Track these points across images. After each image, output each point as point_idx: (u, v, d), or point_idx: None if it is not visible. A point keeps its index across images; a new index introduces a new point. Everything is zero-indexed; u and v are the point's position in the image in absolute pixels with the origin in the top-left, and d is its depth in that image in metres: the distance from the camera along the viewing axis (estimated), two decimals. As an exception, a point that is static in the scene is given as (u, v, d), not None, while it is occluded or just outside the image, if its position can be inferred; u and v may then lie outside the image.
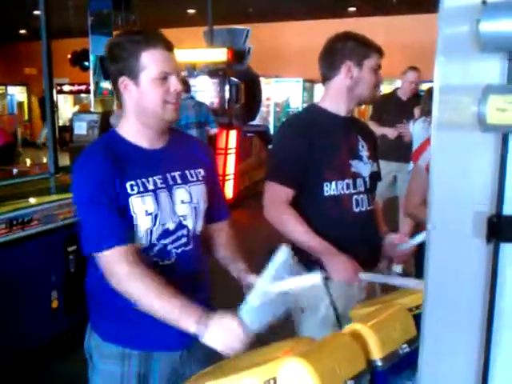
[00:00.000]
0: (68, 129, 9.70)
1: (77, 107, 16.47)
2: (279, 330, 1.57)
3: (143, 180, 1.65)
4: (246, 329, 1.45)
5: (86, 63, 11.49)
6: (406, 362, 1.34)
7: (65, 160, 6.94)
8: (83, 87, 16.38)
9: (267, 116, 14.09)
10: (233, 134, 8.68)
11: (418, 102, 5.18)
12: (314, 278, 1.55)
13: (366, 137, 2.31)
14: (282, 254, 1.51)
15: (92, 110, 11.10)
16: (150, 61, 1.62)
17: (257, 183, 9.71)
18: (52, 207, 3.83)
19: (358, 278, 2.05)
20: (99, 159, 1.65)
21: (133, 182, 1.63)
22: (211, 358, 1.57)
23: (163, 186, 1.69)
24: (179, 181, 1.73)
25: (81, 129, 8.61)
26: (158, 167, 1.70)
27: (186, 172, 1.76)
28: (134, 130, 1.71)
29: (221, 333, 1.47)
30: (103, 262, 1.59)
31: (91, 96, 11.57)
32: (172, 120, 1.70)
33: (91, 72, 11.15)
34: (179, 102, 1.69)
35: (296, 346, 1.33)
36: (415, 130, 5.31)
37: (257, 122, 11.26)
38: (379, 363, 1.29)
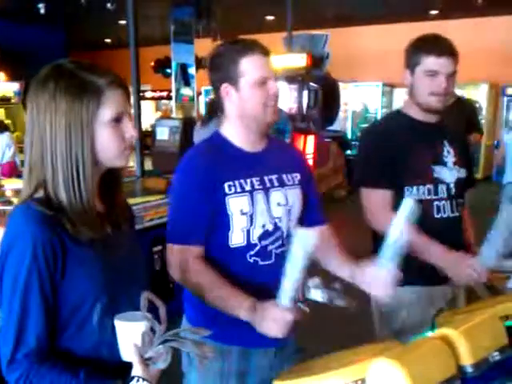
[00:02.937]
0: (149, 134, 9.97)
1: (159, 113, 16.93)
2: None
3: (241, 181, 1.73)
4: (289, 315, 1.48)
5: (168, 70, 11.84)
6: (497, 370, 1.32)
7: (147, 164, 7.14)
8: (164, 94, 16.81)
9: (345, 121, 13.96)
10: (310, 139, 8.69)
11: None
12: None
13: (454, 143, 2.27)
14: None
15: (173, 115, 11.41)
16: (249, 66, 1.70)
17: (333, 189, 9.66)
18: (139, 209, 3.99)
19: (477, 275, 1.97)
20: (200, 162, 1.75)
21: (231, 183, 1.71)
22: (302, 357, 1.61)
23: (260, 187, 1.75)
24: (276, 183, 1.79)
25: (163, 134, 8.83)
26: (256, 169, 1.77)
27: (283, 176, 1.82)
28: (236, 133, 1.79)
29: (267, 319, 1.51)
30: (170, 253, 1.72)
31: (172, 102, 11.89)
32: (272, 122, 1.77)
33: (173, 79, 11.48)
34: (277, 104, 1.76)
35: (384, 348, 1.34)
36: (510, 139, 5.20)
37: (334, 127, 11.20)
38: (469, 369, 1.28)
